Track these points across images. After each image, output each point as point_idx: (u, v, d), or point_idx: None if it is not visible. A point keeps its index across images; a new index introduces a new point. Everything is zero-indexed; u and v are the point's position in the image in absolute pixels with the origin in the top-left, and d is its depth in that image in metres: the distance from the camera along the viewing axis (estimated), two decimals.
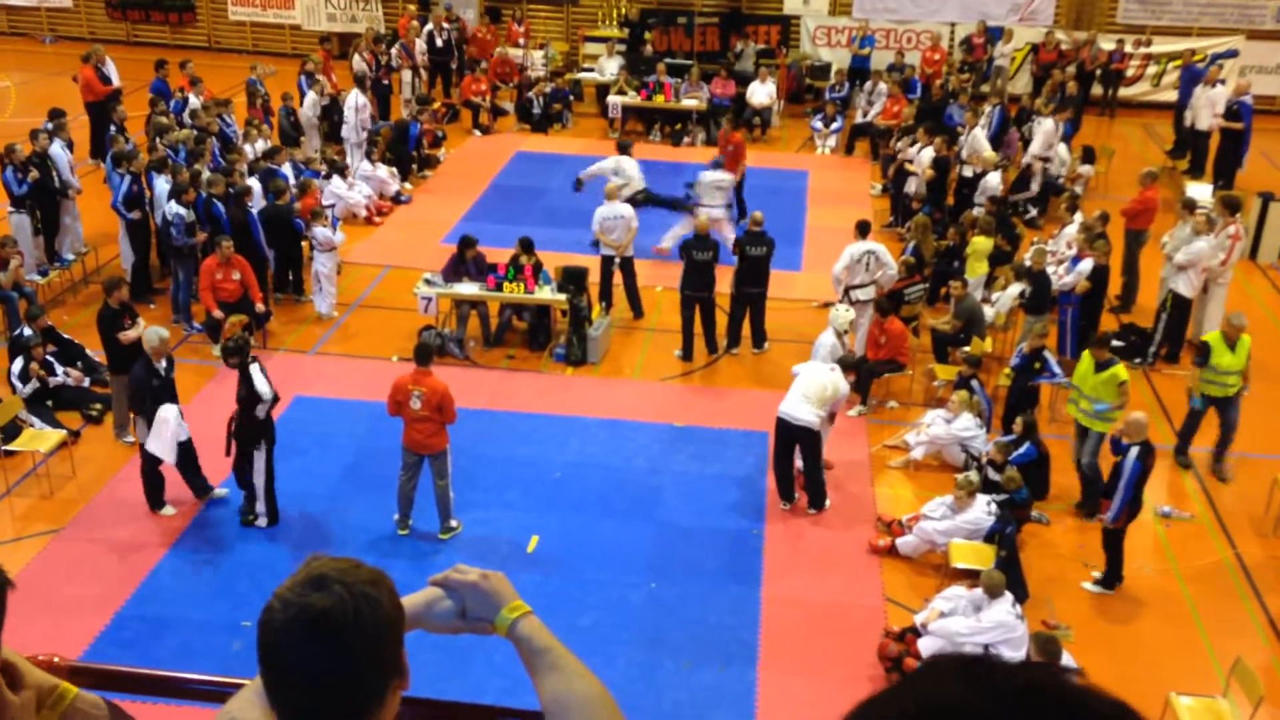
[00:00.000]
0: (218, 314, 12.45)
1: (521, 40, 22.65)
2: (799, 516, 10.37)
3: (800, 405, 10.11)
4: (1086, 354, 10.59)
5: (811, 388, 10.18)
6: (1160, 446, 11.61)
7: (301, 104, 17.83)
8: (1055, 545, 10.09)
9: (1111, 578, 9.53)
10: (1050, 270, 12.88)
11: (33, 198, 13.81)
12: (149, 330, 9.90)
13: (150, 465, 9.91)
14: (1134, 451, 9.22)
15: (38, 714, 2.08)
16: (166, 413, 9.68)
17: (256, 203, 13.92)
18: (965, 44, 22.11)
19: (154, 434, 9.69)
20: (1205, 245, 12.72)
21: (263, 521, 9.91)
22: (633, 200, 14.67)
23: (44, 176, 13.83)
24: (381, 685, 1.64)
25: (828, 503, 10.46)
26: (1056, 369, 11.42)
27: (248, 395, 9.57)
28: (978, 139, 16.53)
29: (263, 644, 1.61)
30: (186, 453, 9.95)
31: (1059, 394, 12.07)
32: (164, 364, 9.81)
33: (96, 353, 11.93)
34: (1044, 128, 16.74)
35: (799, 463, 10.44)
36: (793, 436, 10.21)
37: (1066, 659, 7.75)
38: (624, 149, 15.67)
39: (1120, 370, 10.19)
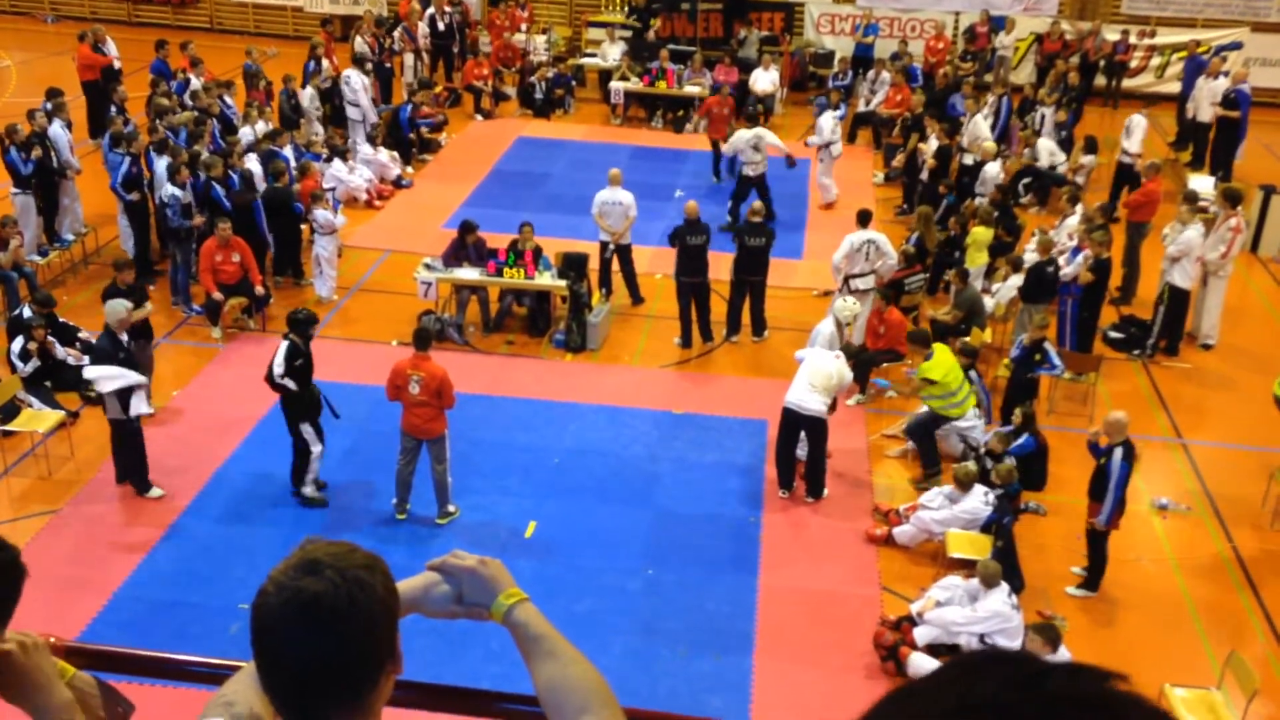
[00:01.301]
0: (217, 296, 12.45)
1: (524, 25, 22.57)
2: (797, 505, 10.38)
3: (809, 395, 10.10)
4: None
5: (818, 376, 10.18)
6: (1160, 439, 11.66)
7: (304, 86, 17.79)
8: (1051, 536, 10.10)
9: (1095, 579, 9.43)
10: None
11: (33, 177, 13.78)
12: (111, 302, 9.75)
13: (129, 445, 9.86)
14: (1118, 453, 9.07)
15: None
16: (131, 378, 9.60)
17: (258, 183, 13.92)
18: (968, 33, 22.04)
19: (110, 379, 9.52)
20: (1196, 234, 12.68)
21: (308, 490, 10.09)
22: (759, 182, 15.42)
23: (44, 156, 13.80)
24: (374, 670, 1.64)
25: (826, 492, 10.46)
26: (1056, 361, 11.41)
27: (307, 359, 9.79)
28: (978, 125, 16.50)
29: (255, 628, 1.61)
30: (134, 441, 9.91)
31: (1058, 386, 12.08)
32: (125, 338, 9.76)
33: (92, 333, 11.92)
34: (1139, 123, 16.65)
35: (801, 452, 10.45)
36: (799, 425, 10.21)
37: (1062, 650, 7.75)
38: (753, 120, 16.48)
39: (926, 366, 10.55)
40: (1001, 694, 0.99)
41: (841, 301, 11.51)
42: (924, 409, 10.83)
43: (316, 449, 9.94)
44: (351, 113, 17.73)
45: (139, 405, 9.70)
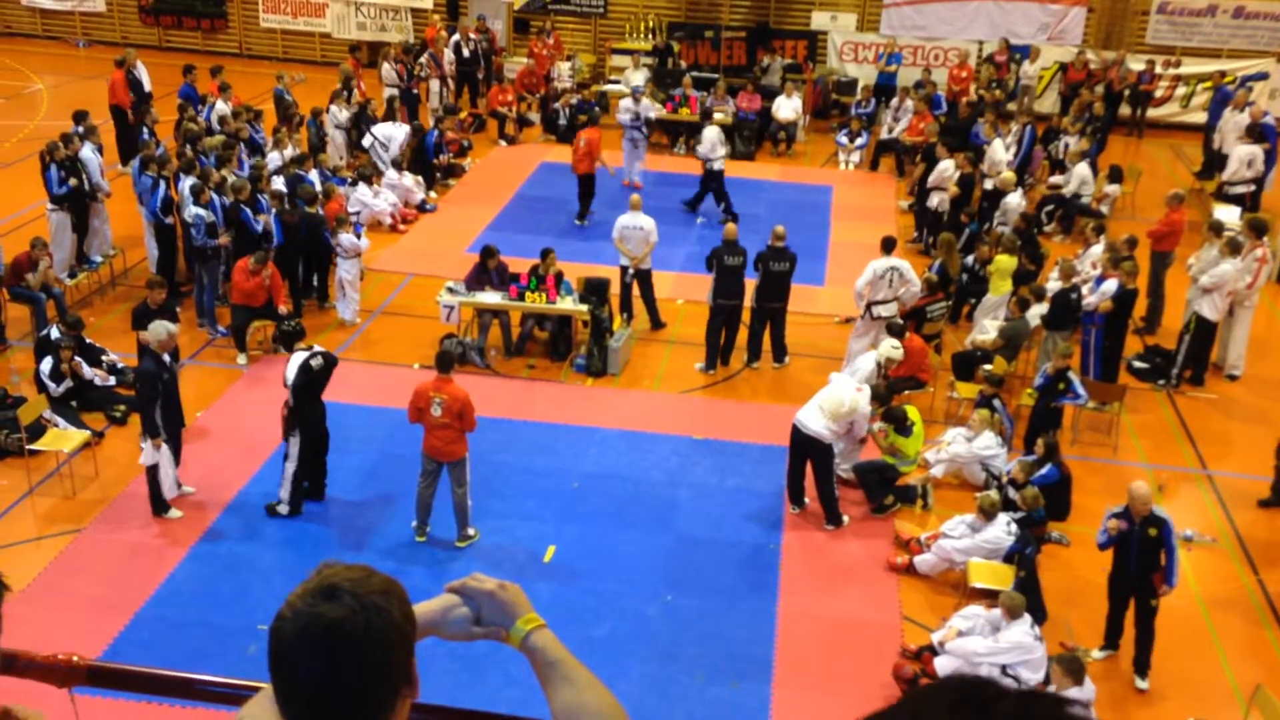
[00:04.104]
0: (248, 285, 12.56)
1: (548, 53, 22.73)
2: (816, 532, 10.34)
3: (813, 415, 10.15)
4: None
5: (829, 400, 10.20)
6: (1183, 469, 11.56)
7: (327, 109, 17.99)
8: (1075, 566, 10.01)
9: (1148, 654, 8.84)
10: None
11: (66, 198, 13.96)
12: (155, 324, 9.87)
13: (151, 470, 9.96)
14: (1161, 510, 8.60)
15: None
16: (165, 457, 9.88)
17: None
18: (989, 61, 22.05)
19: (163, 468, 9.91)
20: (1231, 268, 12.63)
21: (283, 509, 10.03)
22: (721, 177, 17.23)
23: (76, 179, 13.98)
24: (391, 695, 1.65)
25: (846, 519, 10.43)
26: (1080, 390, 11.34)
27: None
28: (996, 151, 16.50)
29: (273, 653, 1.62)
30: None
31: (1082, 415, 12.01)
32: (168, 359, 9.88)
33: (119, 354, 12.04)
34: (1239, 154, 16.76)
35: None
36: (804, 446, 10.21)
37: (1087, 683, 7.68)
38: (707, 115, 18.50)
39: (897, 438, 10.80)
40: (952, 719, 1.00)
41: (887, 344, 11.51)
42: (879, 458, 10.88)
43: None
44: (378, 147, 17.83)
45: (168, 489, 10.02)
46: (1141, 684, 8.72)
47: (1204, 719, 7.99)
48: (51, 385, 11.22)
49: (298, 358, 9.87)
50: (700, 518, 10.43)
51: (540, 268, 13.01)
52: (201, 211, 13.07)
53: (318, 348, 10.22)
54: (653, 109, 18.69)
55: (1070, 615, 9.36)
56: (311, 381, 9.89)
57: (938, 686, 1.06)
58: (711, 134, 17.38)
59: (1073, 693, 7.43)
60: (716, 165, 17.20)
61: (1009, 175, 15.79)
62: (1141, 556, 8.57)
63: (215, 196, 13.33)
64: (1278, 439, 11.16)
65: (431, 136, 18.23)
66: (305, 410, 9.91)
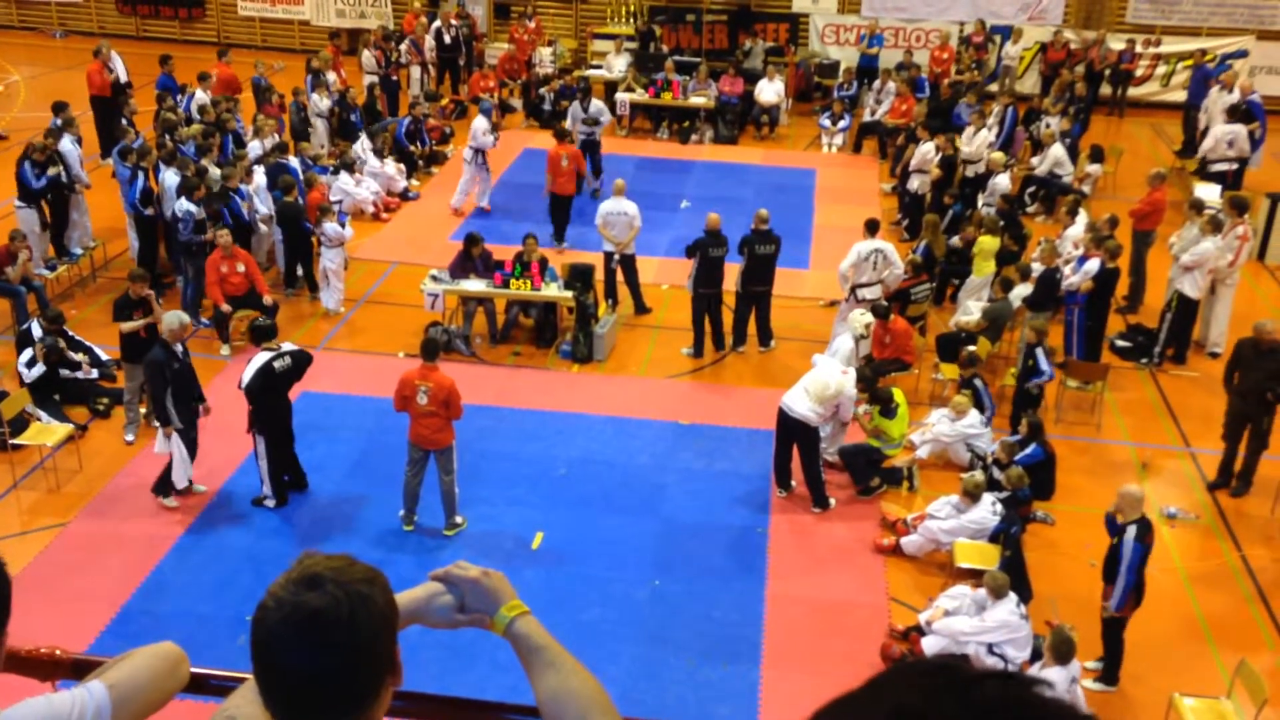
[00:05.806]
0: (225, 308, 12.49)
1: (529, 38, 22.63)
2: (804, 514, 10.38)
3: (799, 398, 10.18)
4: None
5: (814, 383, 10.22)
6: (1166, 447, 11.63)
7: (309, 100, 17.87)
8: (1060, 545, 10.08)
9: (1113, 670, 8.57)
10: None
11: (45, 192, 13.85)
12: (169, 314, 10.01)
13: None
14: (1131, 531, 8.19)
15: None
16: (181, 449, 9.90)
17: (264, 197, 13.99)
18: (965, 42, 22.06)
19: (176, 459, 9.94)
20: (1211, 246, 12.68)
21: (270, 503, 10.06)
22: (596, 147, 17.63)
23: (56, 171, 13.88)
24: (375, 683, 1.65)
25: (832, 502, 10.47)
26: (1045, 367, 11.30)
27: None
28: (978, 141, 16.50)
29: (256, 643, 1.61)
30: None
31: (1065, 394, 12.06)
32: (179, 349, 9.88)
33: (103, 348, 11.98)
34: (1217, 133, 16.92)
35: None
36: (791, 429, 10.24)
37: (1074, 664, 7.72)
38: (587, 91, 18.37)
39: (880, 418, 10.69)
40: (932, 702, 1.01)
41: (853, 313, 11.54)
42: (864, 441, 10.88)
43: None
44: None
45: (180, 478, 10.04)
46: (1089, 683, 8.47)
47: (1188, 693, 8.06)
48: (25, 371, 11.17)
49: (259, 359, 9.75)
50: (687, 502, 10.45)
51: (524, 254, 12.98)
52: (192, 208, 12.96)
53: (286, 346, 10.03)
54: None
55: (1055, 593, 9.42)
56: (271, 385, 9.77)
57: (911, 670, 1.06)
58: (599, 104, 18.15)
59: (1056, 670, 7.48)
60: (597, 135, 17.67)
61: (998, 155, 15.81)
62: (1107, 559, 8.42)
63: (205, 193, 13.23)
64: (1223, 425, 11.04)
65: (403, 126, 18.16)
66: (267, 409, 9.85)
